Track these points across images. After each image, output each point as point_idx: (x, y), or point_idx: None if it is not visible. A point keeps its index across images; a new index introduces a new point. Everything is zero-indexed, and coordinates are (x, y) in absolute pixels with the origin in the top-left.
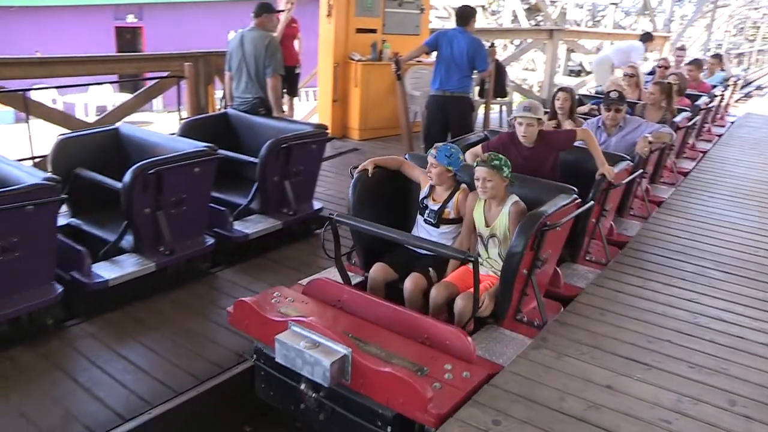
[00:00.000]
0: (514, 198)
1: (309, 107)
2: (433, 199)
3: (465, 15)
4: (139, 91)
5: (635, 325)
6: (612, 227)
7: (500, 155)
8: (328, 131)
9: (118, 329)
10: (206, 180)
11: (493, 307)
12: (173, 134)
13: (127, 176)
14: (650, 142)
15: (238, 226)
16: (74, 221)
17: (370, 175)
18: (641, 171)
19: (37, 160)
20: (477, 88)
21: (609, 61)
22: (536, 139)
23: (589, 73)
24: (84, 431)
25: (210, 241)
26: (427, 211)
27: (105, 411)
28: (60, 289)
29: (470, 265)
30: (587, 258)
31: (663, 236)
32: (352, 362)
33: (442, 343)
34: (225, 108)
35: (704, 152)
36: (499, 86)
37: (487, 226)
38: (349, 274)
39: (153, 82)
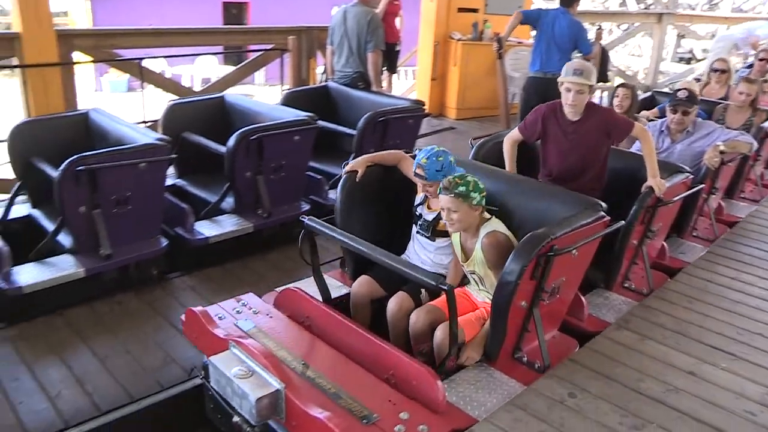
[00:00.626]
0: (490, 227)
1: (406, 85)
2: (429, 207)
3: None
4: (243, 63)
5: (724, 315)
6: (664, 249)
7: (467, 178)
8: (426, 107)
9: (216, 284)
10: (305, 148)
11: (480, 353)
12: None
13: (231, 141)
14: (722, 152)
15: (332, 194)
16: (180, 182)
17: (357, 179)
18: (702, 186)
19: (148, 124)
20: None
21: (731, 40)
22: (584, 111)
23: (700, 60)
24: (182, 374)
25: (305, 207)
26: (420, 221)
27: (201, 357)
28: (165, 242)
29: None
30: (625, 285)
31: (723, 268)
32: (286, 400)
33: (408, 382)
34: (326, 81)
35: None
36: (601, 71)
37: (465, 260)
38: (338, 284)
39: (257, 54)
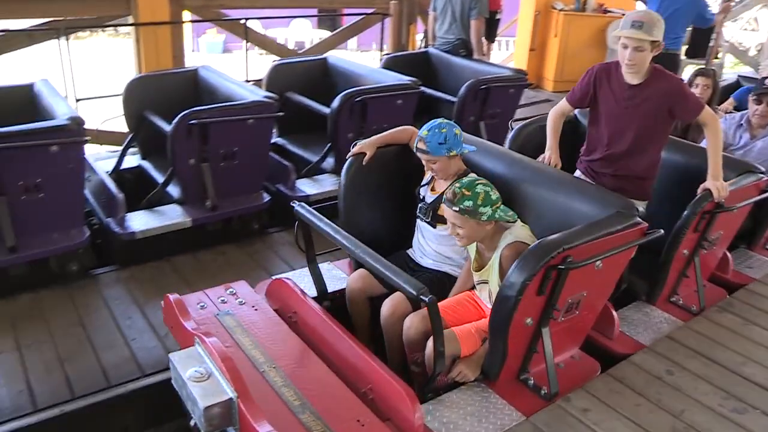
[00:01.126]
0: (511, 236)
1: (504, 56)
2: (432, 189)
3: None
4: (343, 27)
5: None
6: (727, 261)
7: (477, 189)
8: (527, 77)
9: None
10: (408, 112)
11: (477, 372)
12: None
13: (335, 102)
14: None
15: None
16: (281, 140)
17: (364, 162)
18: None
19: (251, 83)
20: (685, 47)
21: None
22: (646, 75)
23: None
24: None
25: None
26: (420, 204)
27: None
28: (268, 198)
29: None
30: (672, 300)
31: None
32: (239, 410)
33: (386, 401)
34: (426, 47)
35: None
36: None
37: (478, 270)
38: (342, 275)
39: (357, 18)
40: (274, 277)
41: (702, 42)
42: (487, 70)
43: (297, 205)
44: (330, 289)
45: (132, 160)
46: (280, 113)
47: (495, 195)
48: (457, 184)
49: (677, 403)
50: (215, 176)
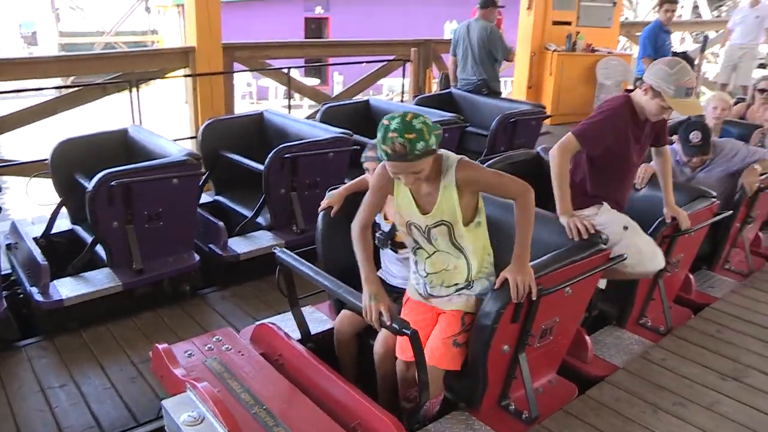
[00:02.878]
0: (454, 159)
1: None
2: (385, 218)
3: None
4: (369, 72)
5: (752, 358)
6: (689, 283)
7: (415, 125)
8: (546, 110)
9: (250, 300)
10: (341, 164)
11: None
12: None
13: (267, 159)
14: (761, 175)
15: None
16: (219, 198)
17: (332, 215)
18: (728, 213)
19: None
20: None
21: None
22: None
23: None
24: None
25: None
26: (378, 234)
27: None
28: (197, 258)
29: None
30: (641, 322)
31: (757, 304)
32: None
33: None
34: (446, 88)
35: None
36: None
37: (425, 213)
38: (324, 318)
39: (383, 63)
40: (258, 323)
41: None
42: (509, 106)
43: (279, 251)
44: (313, 332)
45: (65, 223)
46: (204, 171)
47: (426, 118)
48: (393, 134)
49: (656, 420)
50: (141, 238)
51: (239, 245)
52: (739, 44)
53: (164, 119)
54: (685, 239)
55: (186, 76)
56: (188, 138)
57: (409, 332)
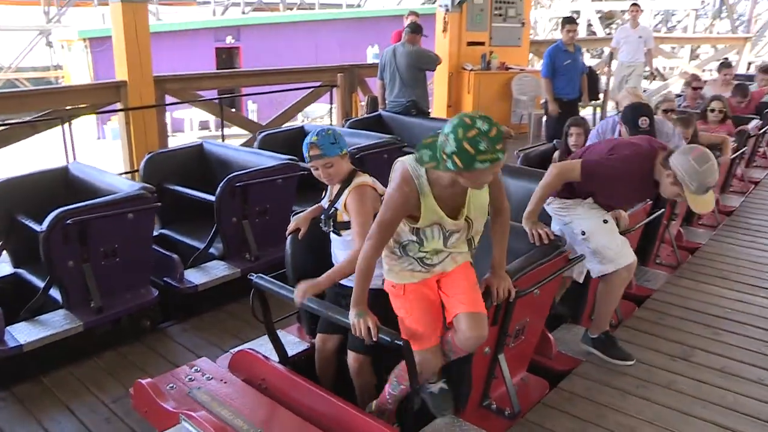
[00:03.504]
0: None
1: None
2: (329, 200)
3: None
4: (297, 100)
5: (700, 340)
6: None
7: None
8: None
9: (211, 331)
10: (289, 189)
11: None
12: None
13: (218, 189)
14: None
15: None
16: (164, 231)
17: (300, 237)
18: (663, 211)
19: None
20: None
21: None
22: None
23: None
24: None
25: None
26: (322, 216)
27: None
28: (156, 292)
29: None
30: (593, 318)
31: (690, 291)
32: None
33: None
34: (372, 112)
35: (757, 183)
36: (593, 90)
37: (456, 218)
38: (296, 341)
39: (309, 90)
40: (236, 350)
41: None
42: (440, 125)
43: (255, 277)
44: (289, 354)
45: (5, 268)
46: (158, 204)
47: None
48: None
49: (624, 403)
50: (98, 276)
51: (196, 277)
52: (627, 62)
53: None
54: (629, 238)
55: (120, 110)
56: (125, 173)
57: (401, 343)
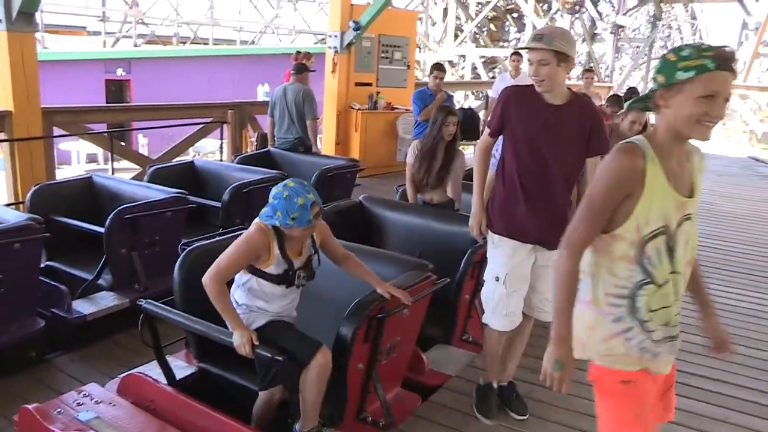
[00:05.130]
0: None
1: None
2: (295, 256)
3: None
4: (188, 135)
5: None
6: None
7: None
8: (359, 164)
9: (104, 357)
10: (178, 223)
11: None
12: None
13: (108, 221)
14: None
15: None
16: (52, 263)
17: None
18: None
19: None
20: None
21: None
22: (567, 97)
23: None
24: None
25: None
26: (300, 277)
27: None
28: (42, 323)
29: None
30: (463, 338)
31: None
32: None
33: None
34: (261, 148)
35: None
36: (473, 131)
37: (691, 196)
38: (183, 365)
39: (199, 126)
40: (123, 374)
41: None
42: (325, 162)
43: (144, 302)
44: (177, 377)
45: None
46: (46, 234)
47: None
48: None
49: None
50: None
51: (84, 307)
52: None
53: None
54: None
55: (3, 140)
56: (9, 204)
57: (280, 358)
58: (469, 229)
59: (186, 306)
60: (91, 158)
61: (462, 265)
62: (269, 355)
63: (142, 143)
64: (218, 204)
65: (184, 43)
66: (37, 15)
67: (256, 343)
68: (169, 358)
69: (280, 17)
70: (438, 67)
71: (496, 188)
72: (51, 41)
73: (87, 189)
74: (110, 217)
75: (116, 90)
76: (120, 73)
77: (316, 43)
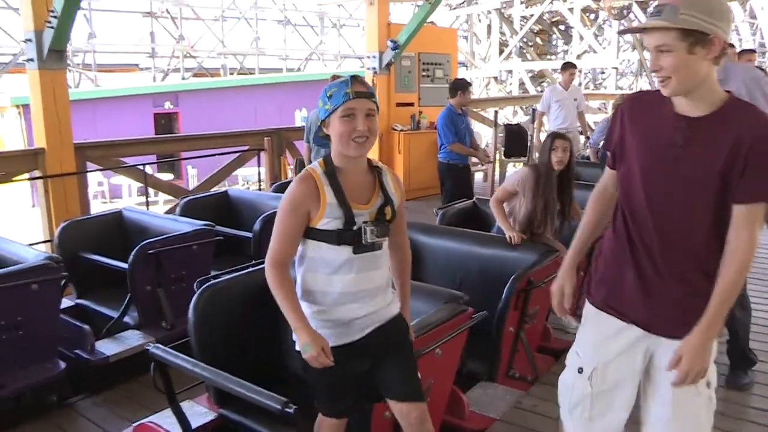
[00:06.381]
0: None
1: None
2: (359, 205)
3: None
4: (225, 164)
5: None
6: (548, 332)
7: None
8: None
9: (127, 401)
10: (205, 256)
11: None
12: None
13: (131, 257)
14: None
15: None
16: (81, 301)
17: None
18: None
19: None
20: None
21: None
22: (716, 103)
23: None
24: None
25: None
26: (368, 231)
27: None
28: (62, 365)
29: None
30: (510, 374)
31: None
32: None
33: None
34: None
35: None
36: (520, 146)
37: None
38: (203, 410)
39: (237, 154)
40: (135, 424)
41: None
42: None
43: (152, 347)
44: (194, 426)
45: None
46: (65, 274)
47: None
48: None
49: None
50: None
51: (107, 347)
52: (560, 127)
53: (10, 225)
54: (539, 291)
55: (35, 178)
56: (42, 242)
57: (291, 411)
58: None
59: (202, 350)
60: (142, 191)
61: (504, 293)
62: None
63: (192, 174)
64: (250, 234)
65: (232, 74)
66: (89, 56)
67: (330, 360)
68: (188, 404)
69: (324, 43)
70: (462, 87)
71: (606, 239)
72: (104, 80)
73: (117, 224)
74: (133, 252)
75: (165, 123)
76: (168, 106)
77: (361, 67)
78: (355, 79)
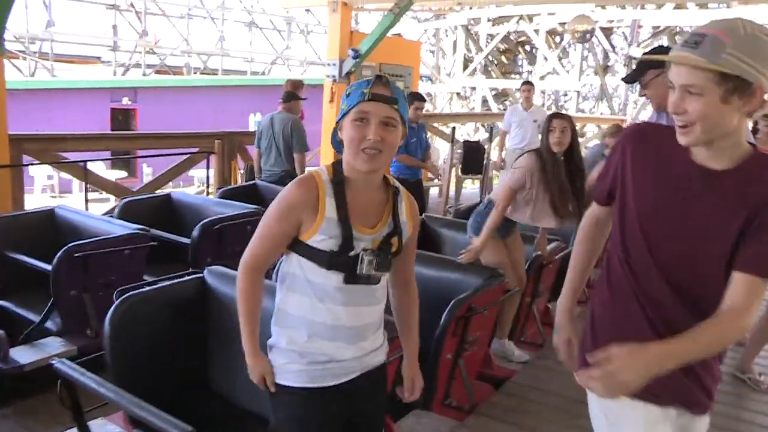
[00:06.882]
0: None
1: None
2: (362, 228)
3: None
4: (173, 164)
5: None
6: (489, 359)
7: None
8: None
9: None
10: (137, 261)
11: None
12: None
13: (55, 259)
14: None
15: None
16: (1, 303)
17: None
18: (516, 290)
19: None
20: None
21: None
22: (740, 158)
23: None
24: None
25: None
26: (366, 261)
27: None
28: None
29: None
30: (446, 403)
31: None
32: None
33: None
34: (250, 180)
35: None
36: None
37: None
38: (116, 429)
39: (185, 156)
40: None
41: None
42: None
43: (57, 362)
44: None
45: None
46: None
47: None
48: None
49: None
50: None
51: (23, 355)
52: (519, 147)
53: None
54: (480, 317)
55: None
56: None
57: None
58: None
59: (117, 366)
60: (94, 188)
61: (443, 320)
62: None
63: (147, 173)
64: (188, 241)
65: (196, 72)
66: (47, 45)
67: (272, 389)
68: (101, 422)
69: (290, 48)
70: (417, 97)
71: (598, 305)
72: (62, 71)
73: (48, 223)
74: (58, 255)
75: (122, 119)
76: (126, 101)
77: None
78: (379, 79)
